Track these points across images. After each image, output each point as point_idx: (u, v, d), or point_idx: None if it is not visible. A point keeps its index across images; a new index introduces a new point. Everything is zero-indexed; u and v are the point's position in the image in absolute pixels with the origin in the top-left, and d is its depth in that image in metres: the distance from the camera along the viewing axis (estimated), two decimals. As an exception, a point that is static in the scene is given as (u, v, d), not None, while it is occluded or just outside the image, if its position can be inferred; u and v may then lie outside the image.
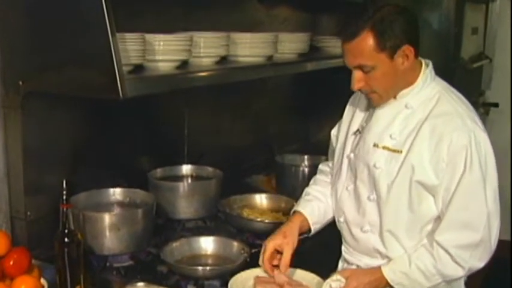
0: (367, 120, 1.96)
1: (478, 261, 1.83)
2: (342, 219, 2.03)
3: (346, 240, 2.06)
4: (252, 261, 2.11)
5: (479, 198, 1.79)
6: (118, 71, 1.72)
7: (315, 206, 2.12)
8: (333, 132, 2.17)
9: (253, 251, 2.20)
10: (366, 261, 1.98)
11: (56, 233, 1.86)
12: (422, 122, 1.83)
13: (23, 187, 2.14)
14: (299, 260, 2.03)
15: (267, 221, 2.49)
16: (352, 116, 2.05)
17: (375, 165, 1.88)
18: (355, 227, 1.98)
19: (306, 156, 3.25)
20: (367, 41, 1.77)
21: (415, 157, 1.82)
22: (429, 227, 1.87)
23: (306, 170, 3.01)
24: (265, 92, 3.45)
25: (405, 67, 1.82)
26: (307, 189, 2.19)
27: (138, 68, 2.01)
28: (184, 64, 2.19)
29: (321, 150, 3.13)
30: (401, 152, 1.84)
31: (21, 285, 1.85)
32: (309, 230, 2.10)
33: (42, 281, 1.93)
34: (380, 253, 1.93)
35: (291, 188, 2.94)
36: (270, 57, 2.61)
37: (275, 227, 2.42)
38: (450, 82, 1.99)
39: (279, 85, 3.58)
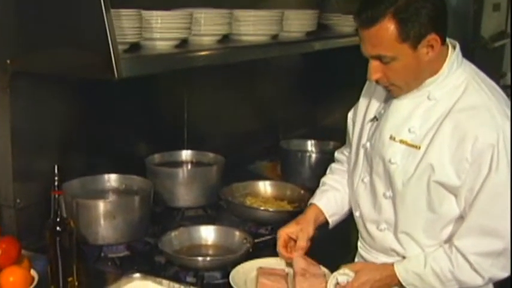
0: (385, 108, 1.89)
1: (501, 270, 1.75)
2: (357, 214, 2.00)
3: (363, 237, 2.03)
4: (254, 252, 2.12)
5: (504, 202, 1.70)
6: (113, 50, 1.70)
7: (331, 196, 2.09)
8: (350, 115, 2.11)
9: (256, 241, 2.21)
10: (382, 259, 1.93)
11: (47, 222, 1.86)
12: (445, 116, 1.75)
13: (12, 173, 2.14)
14: (310, 253, 2.03)
15: (271, 209, 2.50)
16: (369, 101, 1.98)
17: (390, 161, 1.82)
18: (371, 224, 1.94)
19: (312, 142, 3.25)
20: (388, 29, 1.67)
21: (435, 155, 1.74)
22: (450, 227, 1.80)
23: (313, 155, 3.01)
24: (270, 73, 3.44)
25: (430, 57, 1.72)
26: (323, 179, 2.16)
27: (134, 47, 2.00)
28: (183, 43, 2.18)
29: (329, 135, 3.17)
30: (419, 147, 1.78)
31: (9, 276, 1.85)
32: (327, 222, 2.08)
33: (33, 272, 1.93)
34: (397, 253, 1.89)
35: (296, 175, 2.95)
36: (275, 36, 2.60)
37: (280, 215, 2.45)
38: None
39: (284, 66, 3.57)
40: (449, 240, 1.81)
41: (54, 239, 1.85)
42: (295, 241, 1.99)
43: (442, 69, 1.78)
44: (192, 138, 2.94)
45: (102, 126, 2.48)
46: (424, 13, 1.67)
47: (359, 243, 2.06)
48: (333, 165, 2.20)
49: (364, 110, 2.00)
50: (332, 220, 2.08)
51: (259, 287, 1.91)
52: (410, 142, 1.80)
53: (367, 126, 1.95)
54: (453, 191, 1.75)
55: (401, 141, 1.81)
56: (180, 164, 2.76)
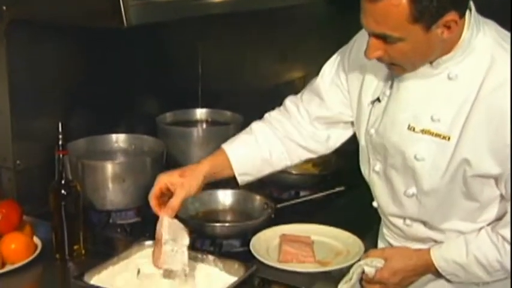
0: (392, 88, 1.75)
1: None
2: (375, 204, 1.92)
3: (387, 225, 1.93)
4: (277, 218, 2.12)
5: None
6: (121, -5, 1.68)
7: (250, 152, 1.92)
8: (327, 68, 1.94)
9: (278, 206, 2.21)
10: (416, 247, 1.85)
11: (51, 184, 1.88)
12: (474, 98, 1.61)
13: (11, 131, 2.14)
14: (329, 218, 2.03)
15: (294, 172, 2.48)
16: (363, 74, 1.82)
17: (415, 157, 1.69)
18: (394, 218, 1.86)
19: None
20: (399, 6, 1.50)
21: (470, 148, 1.63)
22: (493, 208, 1.73)
23: None
24: (294, 22, 3.38)
25: (444, 38, 1.58)
26: (253, 125, 1.99)
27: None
28: (197, -12, 2.15)
29: None
30: (449, 139, 1.65)
31: (11, 243, 1.86)
32: (233, 177, 1.94)
33: (35, 239, 1.95)
34: (435, 240, 1.82)
35: None
36: (298, -20, 2.55)
37: (303, 179, 2.45)
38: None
39: (311, 12, 3.50)
40: (490, 220, 1.74)
41: (58, 203, 1.87)
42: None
43: (460, 42, 1.62)
44: (207, 95, 2.93)
45: (109, 81, 2.46)
46: None
47: (384, 229, 1.97)
48: (272, 113, 2.01)
49: (357, 87, 1.85)
50: (241, 179, 1.94)
51: (283, 256, 1.91)
52: (436, 132, 1.67)
53: (367, 110, 1.82)
54: (494, 177, 1.66)
55: (424, 132, 1.68)
56: (194, 123, 2.76)
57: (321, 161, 2.64)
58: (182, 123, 2.69)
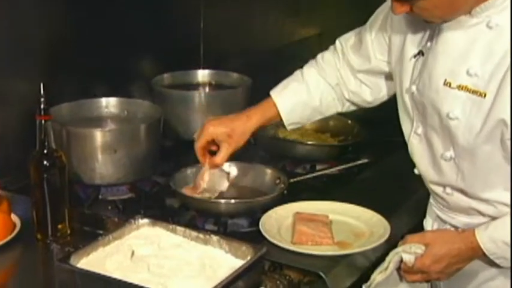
0: (433, 40, 1.78)
1: None
2: (416, 171, 1.95)
3: (433, 195, 1.98)
4: (290, 194, 2.11)
5: None
6: None
7: (301, 103, 2.08)
8: (376, 16, 2.02)
9: (291, 181, 2.20)
10: (463, 220, 1.87)
11: (31, 155, 1.87)
12: None
13: (-15, 93, 2.14)
14: (350, 194, 2.02)
15: (310, 143, 2.50)
16: (407, 29, 1.87)
17: (448, 115, 1.74)
18: (435, 186, 1.90)
19: None
20: None
21: (507, 107, 1.64)
22: None
23: None
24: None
25: None
26: (304, 70, 2.15)
27: None
28: None
29: None
30: (484, 95, 1.67)
31: (-15, 221, 1.86)
32: (280, 122, 2.11)
33: (14, 217, 1.95)
34: (480, 212, 1.83)
35: None
36: None
37: (320, 151, 2.46)
38: None
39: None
40: None
41: (40, 176, 1.87)
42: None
43: None
44: (210, 55, 2.93)
45: (99, 38, 2.46)
46: None
47: (431, 199, 2.01)
48: (327, 55, 2.14)
49: (400, 40, 1.90)
50: (290, 128, 2.14)
51: (297, 237, 1.90)
52: (472, 88, 1.70)
53: (410, 64, 1.86)
54: None
55: (460, 87, 1.71)
56: (195, 86, 2.78)
57: (341, 130, 2.65)
58: (182, 86, 2.70)
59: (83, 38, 2.40)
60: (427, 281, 1.87)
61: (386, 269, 1.78)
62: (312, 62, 2.15)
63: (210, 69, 2.82)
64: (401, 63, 1.89)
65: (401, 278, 1.83)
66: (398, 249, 1.80)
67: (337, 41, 2.13)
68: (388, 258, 1.80)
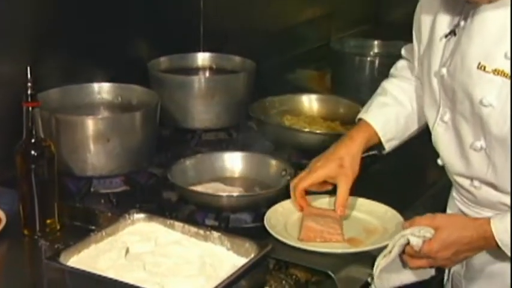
0: (467, 18, 1.79)
1: None
2: (440, 162, 1.96)
3: (456, 187, 1.98)
4: (297, 187, 2.09)
5: None
6: None
7: (392, 113, 2.06)
8: (418, 7, 2.01)
9: (298, 172, 2.17)
10: (489, 216, 1.83)
11: (18, 144, 1.87)
12: None
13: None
14: (361, 188, 2.02)
15: (318, 131, 2.50)
16: (437, 6, 1.88)
17: (481, 102, 1.74)
18: (461, 178, 1.90)
19: (375, 42, 3.24)
20: None
21: None
22: None
23: (376, 61, 3.01)
24: None
25: None
26: (383, 84, 2.15)
27: None
28: None
29: (397, 33, 3.11)
30: None
31: (-34, 216, 1.88)
32: (380, 145, 2.07)
33: (-1, 211, 1.95)
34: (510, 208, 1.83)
35: (352, 87, 2.97)
36: None
37: (329, 140, 2.42)
38: None
39: None
40: None
41: (27, 167, 1.88)
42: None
43: None
44: (210, 37, 2.94)
45: (91, 18, 2.45)
46: None
47: (454, 193, 2.01)
48: (400, 63, 2.16)
49: (430, 19, 1.91)
50: (389, 145, 2.08)
51: (304, 233, 1.90)
52: (509, 73, 1.70)
53: (440, 45, 1.87)
54: None
55: (496, 72, 1.71)
56: (195, 70, 2.78)
57: (352, 118, 2.61)
58: (180, 71, 2.69)
59: (73, 18, 2.39)
60: (432, 267, 1.86)
61: (390, 252, 1.78)
62: (388, 78, 2.16)
63: (211, 52, 2.81)
64: (430, 44, 1.89)
65: (404, 264, 1.82)
66: (406, 231, 1.78)
67: (402, 51, 2.16)
68: (393, 241, 1.79)
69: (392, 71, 2.17)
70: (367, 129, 2.05)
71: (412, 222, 1.82)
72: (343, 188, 1.96)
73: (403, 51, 2.17)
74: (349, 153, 2.00)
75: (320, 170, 1.98)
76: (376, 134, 2.05)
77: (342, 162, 1.98)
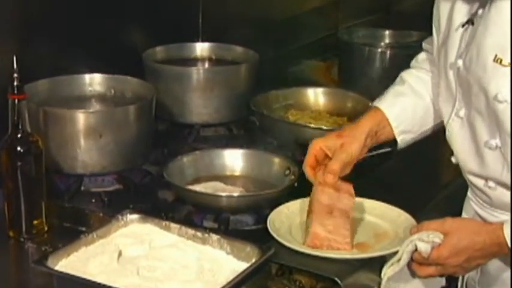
0: (485, 6, 1.78)
1: None
2: (453, 160, 1.96)
3: (471, 188, 1.98)
4: (301, 187, 2.08)
5: None
6: None
7: (409, 103, 2.05)
8: None
9: (302, 171, 2.17)
10: (506, 219, 1.83)
11: (3, 139, 1.87)
12: None
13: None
14: (371, 188, 2.03)
15: (324, 127, 2.50)
16: None
17: (496, 97, 1.73)
18: (475, 178, 1.90)
19: (386, 32, 3.26)
20: None
21: None
22: None
23: (387, 52, 3.02)
24: None
25: None
26: (402, 74, 2.13)
27: None
28: None
29: (409, 23, 3.12)
30: None
31: (-52, 216, 1.88)
32: (393, 139, 2.05)
33: (-18, 211, 1.96)
34: None
35: (361, 80, 2.99)
36: None
37: None
38: None
39: None
40: None
41: (13, 164, 1.88)
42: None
43: None
44: (210, 26, 2.94)
45: (81, 5, 2.45)
46: None
47: (469, 193, 2.01)
48: (421, 55, 2.15)
49: (448, 7, 1.91)
50: (402, 139, 2.05)
51: (311, 240, 1.88)
52: None
53: (457, 35, 1.86)
54: None
55: None
56: (193, 61, 2.79)
57: (359, 113, 2.60)
58: (177, 61, 2.70)
59: (63, 4, 2.39)
60: (442, 275, 1.85)
61: (399, 260, 1.77)
62: (407, 69, 2.16)
63: (210, 41, 2.82)
64: (448, 34, 1.89)
65: (413, 273, 1.82)
66: (413, 237, 1.78)
67: (423, 43, 2.15)
68: (401, 248, 1.78)
69: (412, 63, 2.16)
70: (378, 114, 2.03)
71: (420, 226, 1.82)
72: (336, 159, 1.93)
73: (424, 44, 2.15)
74: (350, 129, 2.01)
75: (320, 142, 1.97)
76: (388, 123, 2.03)
77: (340, 134, 1.98)
